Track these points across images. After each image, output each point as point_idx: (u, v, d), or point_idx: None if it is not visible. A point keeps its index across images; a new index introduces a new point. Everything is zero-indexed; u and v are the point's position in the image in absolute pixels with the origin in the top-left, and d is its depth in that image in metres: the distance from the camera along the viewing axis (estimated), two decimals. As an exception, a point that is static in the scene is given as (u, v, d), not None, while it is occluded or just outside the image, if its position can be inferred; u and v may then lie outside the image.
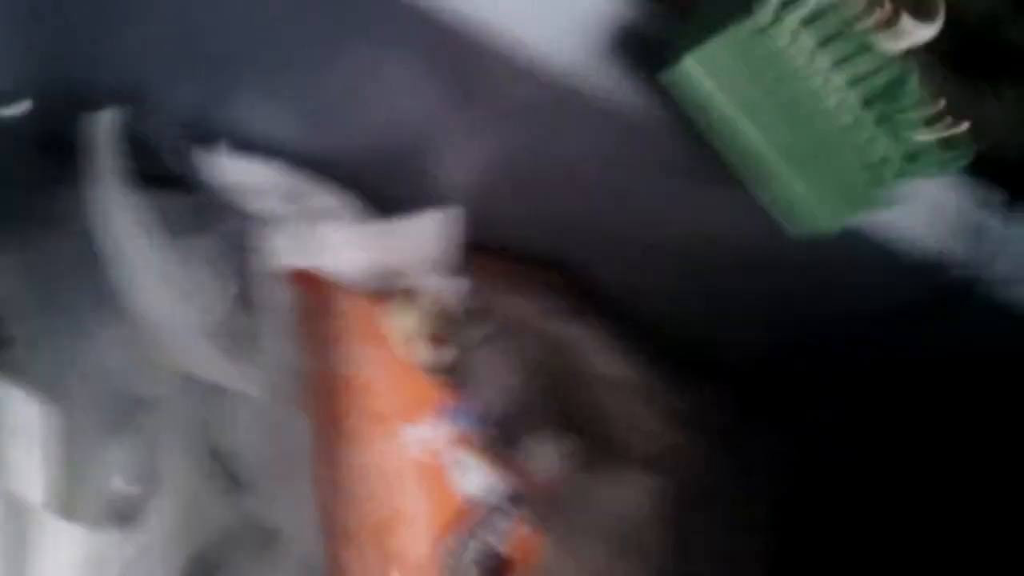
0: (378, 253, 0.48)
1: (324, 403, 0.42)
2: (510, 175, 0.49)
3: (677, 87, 0.33)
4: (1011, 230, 0.41)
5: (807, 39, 0.32)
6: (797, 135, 0.33)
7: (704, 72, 0.33)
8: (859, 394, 0.55)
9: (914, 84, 0.32)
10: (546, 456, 0.58)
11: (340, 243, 0.47)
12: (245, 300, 0.47)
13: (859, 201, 0.34)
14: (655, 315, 0.59)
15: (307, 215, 0.48)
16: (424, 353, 0.46)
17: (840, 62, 0.32)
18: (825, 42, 0.32)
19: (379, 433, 0.41)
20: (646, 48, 0.35)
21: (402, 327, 0.45)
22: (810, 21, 0.31)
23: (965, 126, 0.33)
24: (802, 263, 0.44)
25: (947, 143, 0.33)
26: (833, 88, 0.32)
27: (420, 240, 0.50)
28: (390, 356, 0.43)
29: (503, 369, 0.55)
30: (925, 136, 0.32)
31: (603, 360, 0.60)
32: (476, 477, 0.44)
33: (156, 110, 0.46)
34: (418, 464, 0.42)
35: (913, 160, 0.33)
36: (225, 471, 0.49)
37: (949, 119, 0.33)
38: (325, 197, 0.50)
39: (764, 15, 0.31)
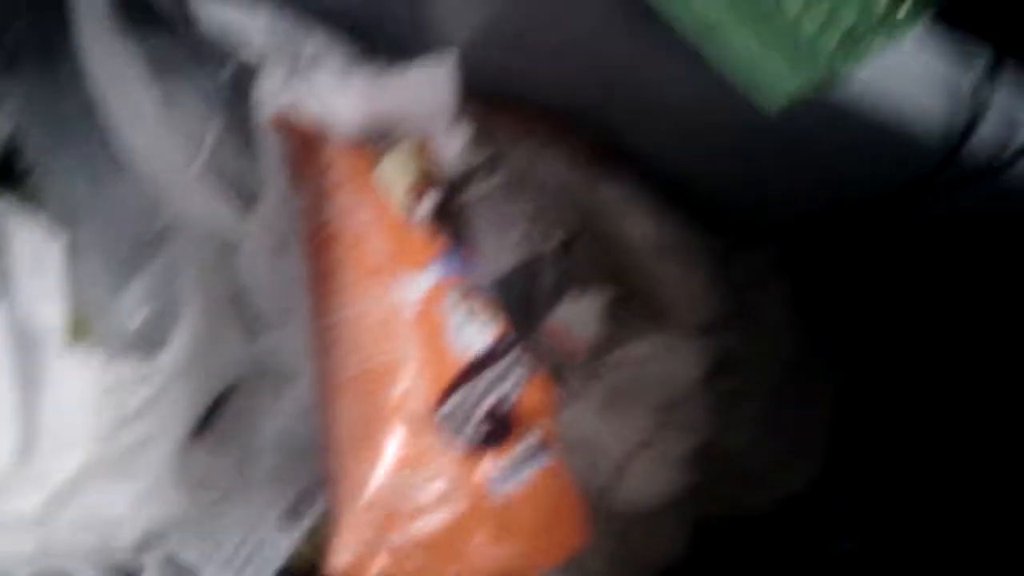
0: (372, 103, 0.47)
1: (315, 256, 0.43)
2: (525, 17, 0.47)
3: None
4: (997, 91, 0.36)
5: None
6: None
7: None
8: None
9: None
10: (580, 314, 0.57)
11: (332, 91, 0.47)
12: (239, 145, 0.47)
13: (820, 61, 0.31)
14: (683, 179, 0.56)
15: (299, 61, 0.48)
16: (417, 204, 0.46)
17: None
18: None
19: (372, 286, 0.42)
20: None
21: (393, 177, 0.45)
22: None
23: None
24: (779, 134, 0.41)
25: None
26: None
27: (418, 90, 0.48)
28: (381, 207, 0.43)
29: (514, 221, 0.54)
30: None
31: (642, 221, 0.57)
32: (478, 331, 0.45)
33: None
34: (414, 316, 0.42)
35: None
36: (242, 312, 0.50)
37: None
38: (317, 42, 0.49)
39: None
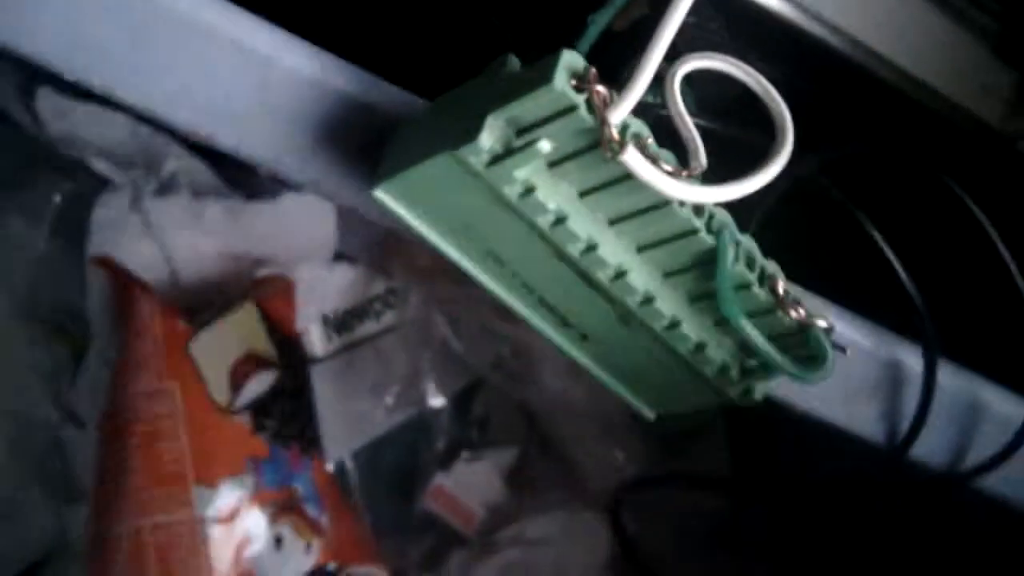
0: (231, 237, 0.39)
1: (109, 443, 0.36)
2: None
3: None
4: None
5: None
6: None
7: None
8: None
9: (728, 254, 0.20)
10: (472, 479, 0.50)
11: (181, 222, 0.38)
12: (66, 278, 0.39)
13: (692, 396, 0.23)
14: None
15: (151, 181, 0.39)
16: (242, 387, 0.38)
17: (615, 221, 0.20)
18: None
19: (162, 497, 0.34)
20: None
21: (213, 353, 0.37)
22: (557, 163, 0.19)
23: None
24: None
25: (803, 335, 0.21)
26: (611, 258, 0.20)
27: (291, 220, 0.40)
28: (192, 394, 0.36)
29: (398, 374, 0.46)
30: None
31: (557, 373, 0.49)
32: (287, 561, 0.37)
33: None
34: (209, 538, 0.34)
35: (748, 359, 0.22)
36: (52, 479, 0.42)
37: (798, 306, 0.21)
38: (179, 163, 0.41)
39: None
